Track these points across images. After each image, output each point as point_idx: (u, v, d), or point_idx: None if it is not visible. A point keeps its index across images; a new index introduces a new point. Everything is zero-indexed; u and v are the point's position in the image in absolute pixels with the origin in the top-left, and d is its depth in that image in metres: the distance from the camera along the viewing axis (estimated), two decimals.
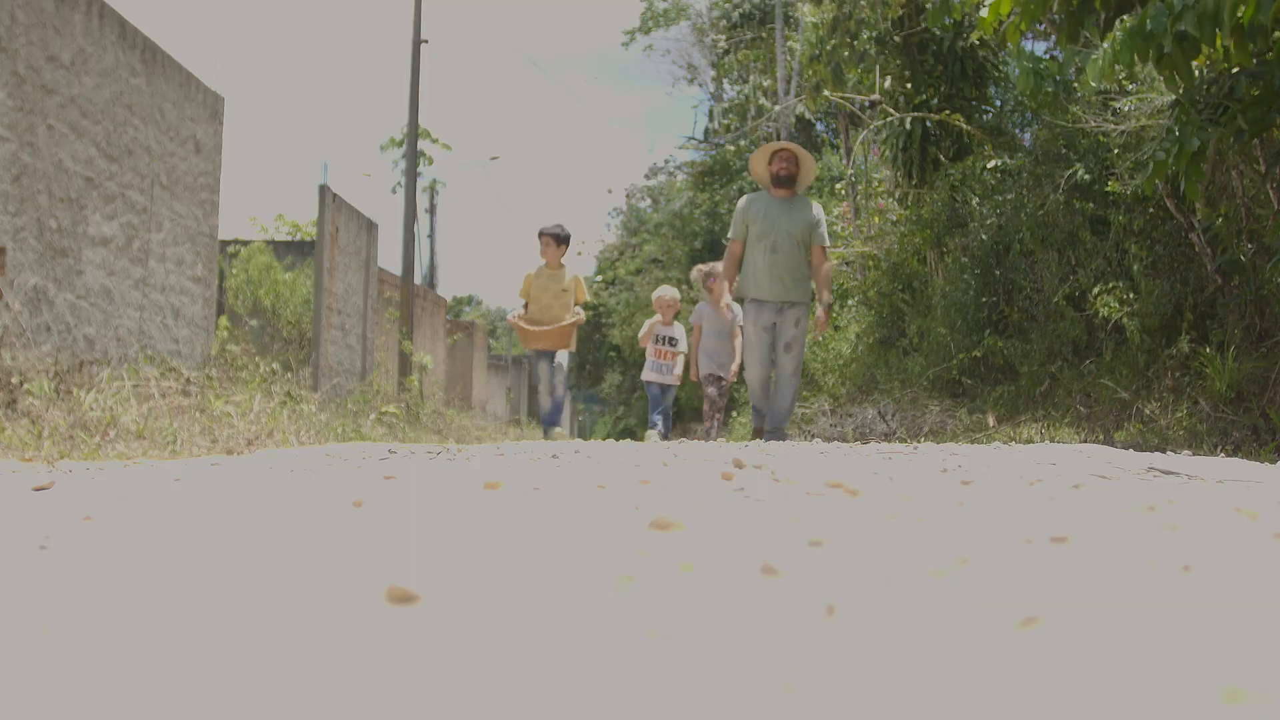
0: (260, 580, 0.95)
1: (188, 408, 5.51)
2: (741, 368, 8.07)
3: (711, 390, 8.22)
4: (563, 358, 8.46)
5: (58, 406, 4.52)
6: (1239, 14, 3.84)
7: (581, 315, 8.43)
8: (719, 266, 7.97)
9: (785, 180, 6.96)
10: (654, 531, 1.21)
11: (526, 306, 8.57)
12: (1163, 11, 4.05)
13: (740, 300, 7.52)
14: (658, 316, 8.93)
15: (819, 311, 7.09)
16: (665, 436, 8.56)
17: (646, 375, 8.86)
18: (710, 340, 8.20)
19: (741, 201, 7.17)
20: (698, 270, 8.60)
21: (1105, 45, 4.41)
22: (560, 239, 8.48)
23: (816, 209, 7.07)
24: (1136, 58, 4.20)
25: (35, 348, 5.15)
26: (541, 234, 8.52)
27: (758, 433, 7.55)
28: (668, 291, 8.99)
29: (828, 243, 7.12)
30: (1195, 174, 4.52)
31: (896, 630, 0.73)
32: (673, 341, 8.85)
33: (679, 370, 8.72)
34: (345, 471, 2.40)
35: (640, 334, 9.18)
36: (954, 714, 0.56)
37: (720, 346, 8.21)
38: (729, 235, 7.21)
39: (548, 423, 8.68)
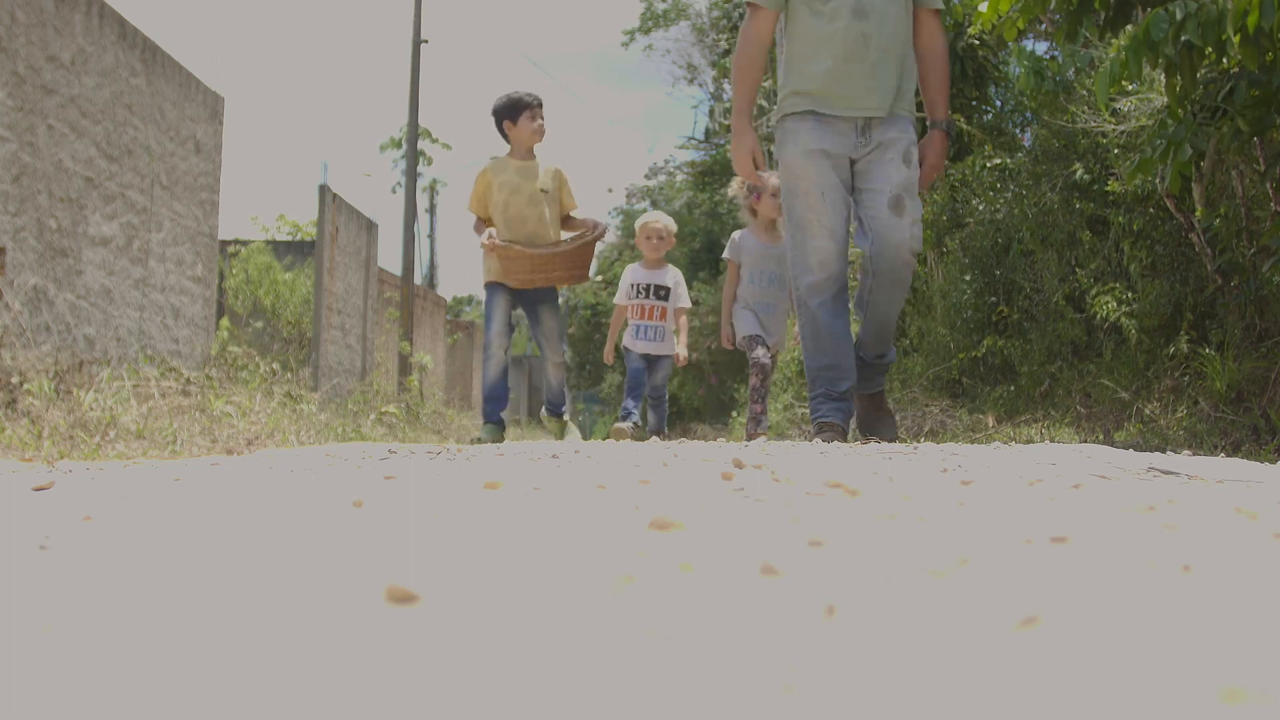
0: (260, 579, 0.95)
1: (188, 408, 5.51)
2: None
3: (761, 354, 5.13)
4: (553, 313, 5.51)
5: (58, 406, 4.52)
6: (1242, 21, 3.84)
7: (603, 225, 5.45)
8: (774, 179, 4.64)
9: None
10: (654, 531, 1.21)
11: (478, 224, 5.46)
12: (1163, 19, 4.05)
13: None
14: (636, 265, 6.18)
15: (931, 143, 4.05)
16: (660, 432, 6.16)
17: (625, 342, 6.08)
18: (755, 288, 5.23)
19: None
20: (738, 184, 5.26)
21: (1110, 57, 4.41)
22: (539, 104, 5.42)
23: None
24: (1146, 65, 4.19)
25: (35, 348, 5.15)
26: (513, 108, 5.34)
27: (831, 429, 3.82)
28: (658, 218, 6.10)
29: (941, 4, 4.06)
30: (1182, 168, 4.51)
31: (896, 630, 0.73)
32: (661, 292, 6.00)
33: (678, 350, 6.06)
34: (345, 471, 2.39)
35: (617, 297, 6.26)
36: (953, 714, 0.56)
37: (771, 297, 5.23)
38: None
39: (495, 405, 5.60)
